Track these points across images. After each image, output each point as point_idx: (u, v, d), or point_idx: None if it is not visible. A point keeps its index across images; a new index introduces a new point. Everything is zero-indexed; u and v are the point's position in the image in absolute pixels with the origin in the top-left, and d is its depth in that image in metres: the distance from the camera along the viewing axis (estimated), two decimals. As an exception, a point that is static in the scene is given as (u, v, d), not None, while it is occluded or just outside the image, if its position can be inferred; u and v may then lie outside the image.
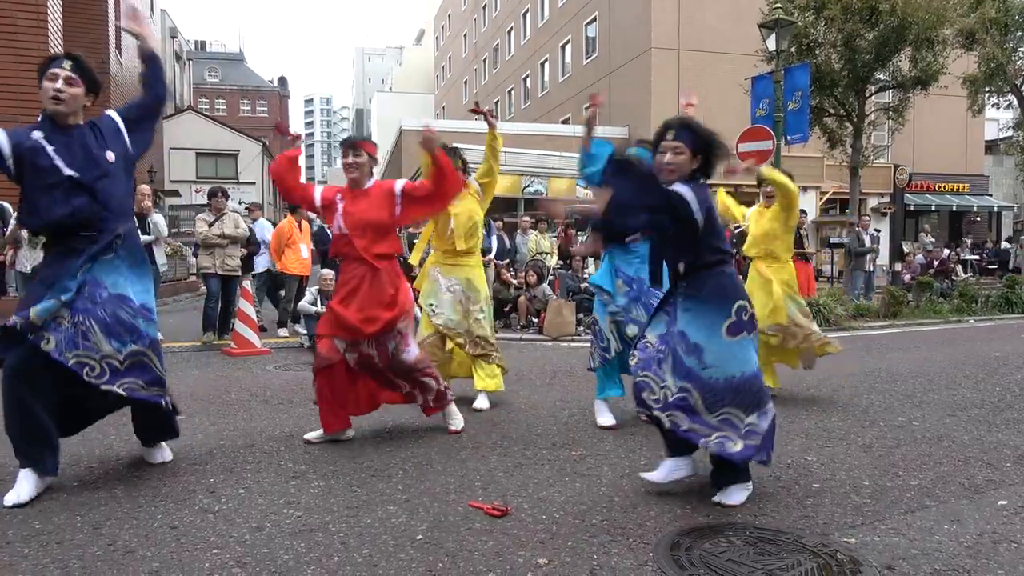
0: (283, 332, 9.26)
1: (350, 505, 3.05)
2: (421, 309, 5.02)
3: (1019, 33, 17.99)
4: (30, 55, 10.78)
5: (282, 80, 61.74)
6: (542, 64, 33.43)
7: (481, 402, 4.96)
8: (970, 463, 3.70)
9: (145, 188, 8.98)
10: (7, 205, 7.93)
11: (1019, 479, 3.48)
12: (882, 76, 15.73)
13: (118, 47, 17.17)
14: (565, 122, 29.69)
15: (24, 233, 7.52)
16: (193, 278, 19.17)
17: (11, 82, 10.61)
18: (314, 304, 7.97)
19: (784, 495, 3.22)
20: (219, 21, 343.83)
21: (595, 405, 4.59)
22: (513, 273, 11.05)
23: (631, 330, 4.28)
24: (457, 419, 4.33)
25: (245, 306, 7.85)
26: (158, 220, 8.60)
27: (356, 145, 4.05)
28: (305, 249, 9.21)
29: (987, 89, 18.41)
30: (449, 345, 4.95)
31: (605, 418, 4.47)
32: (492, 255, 9.83)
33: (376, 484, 3.32)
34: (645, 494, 3.22)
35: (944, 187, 28.35)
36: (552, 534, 2.75)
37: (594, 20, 27.99)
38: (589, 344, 4.70)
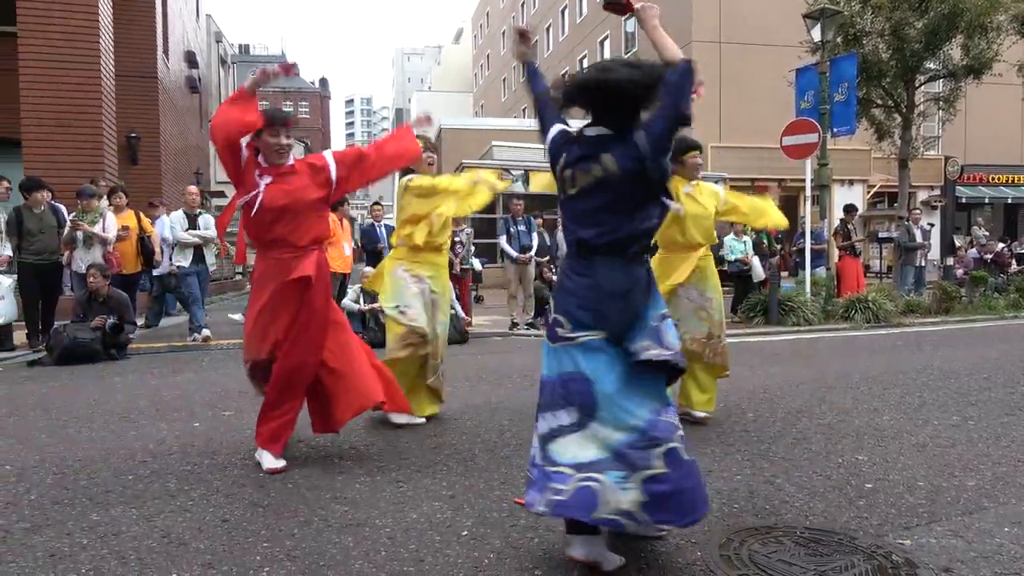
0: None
1: (396, 500, 3.07)
2: (383, 312, 4.61)
3: (1078, 18, 17.31)
4: (82, 57, 11.12)
5: (323, 81, 62.63)
6: (580, 60, 33.27)
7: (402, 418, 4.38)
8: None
9: (193, 189, 9.20)
10: (62, 208, 8.19)
11: (1084, 480, 3.35)
12: (932, 65, 15.30)
13: (165, 51, 17.58)
14: (604, 118, 29.55)
15: (79, 235, 7.78)
16: (239, 277, 19.59)
17: (65, 83, 10.93)
18: (357, 302, 8.07)
19: (835, 495, 3.15)
20: (262, 25, 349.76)
21: None
22: (553, 270, 11.02)
23: None
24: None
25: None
26: (207, 220, 8.79)
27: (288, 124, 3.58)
28: (347, 247, 9.31)
29: (1044, 76, 17.75)
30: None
31: None
32: (532, 252, 9.82)
33: (421, 480, 3.34)
34: (691, 492, 3.17)
35: (998, 179, 27.45)
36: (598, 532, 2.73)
37: (633, 15, 27.77)
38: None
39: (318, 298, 3.52)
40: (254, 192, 3.45)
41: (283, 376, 3.51)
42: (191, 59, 21.36)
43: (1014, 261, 16.93)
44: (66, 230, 7.84)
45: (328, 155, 3.68)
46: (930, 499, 3.10)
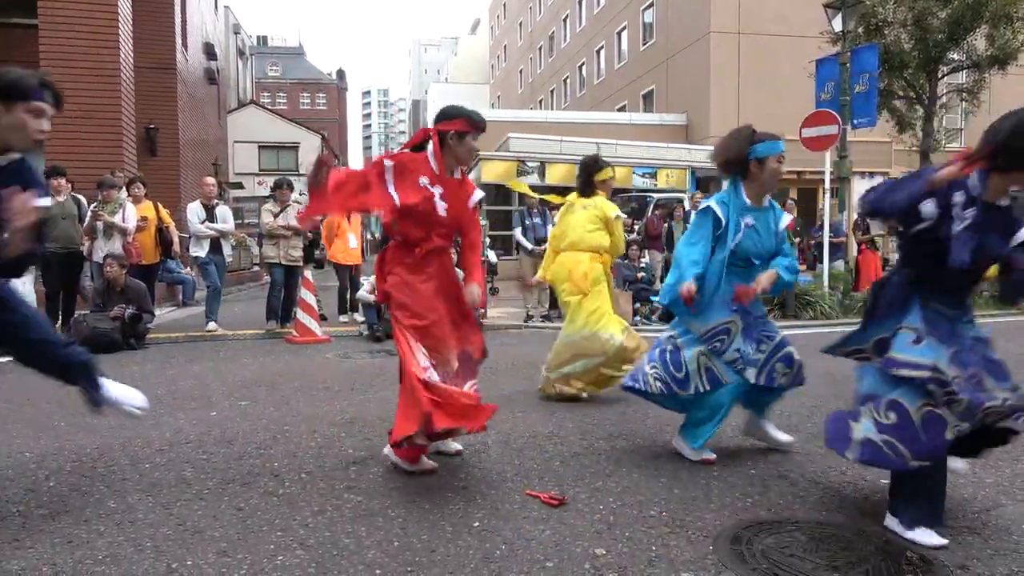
0: (343, 318, 9.46)
1: (408, 491, 3.09)
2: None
3: (1107, 7, 16.96)
4: (102, 50, 11.21)
5: (340, 73, 62.73)
6: (598, 51, 33.10)
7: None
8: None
9: (210, 180, 9.27)
10: (83, 199, 8.28)
11: (1105, 478, 3.30)
12: (955, 56, 15.06)
13: (184, 43, 17.69)
14: (621, 110, 29.38)
15: (100, 224, 7.87)
16: (256, 268, 19.73)
17: (85, 75, 11.02)
18: (372, 293, 8.10)
19: (850, 490, 3.13)
20: (280, 16, 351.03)
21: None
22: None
23: (750, 374, 3.46)
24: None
25: (307, 295, 8.02)
26: (225, 212, 8.85)
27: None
28: (353, 239, 9.36)
29: (1071, 67, 17.44)
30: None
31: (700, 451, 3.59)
32: (547, 245, 9.78)
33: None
34: (704, 486, 3.17)
35: (1022, 172, 27.00)
36: (609, 524, 2.73)
37: (651, 5, 27.54)
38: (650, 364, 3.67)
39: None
40: (425, 197, 3.24)
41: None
42: (209, 51, 21.48)
43: None
44: (87, 220, 7.92)
45: (475, 197, 3.52)
46: (947, 496, 3.06)
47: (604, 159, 5.25)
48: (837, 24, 10.98)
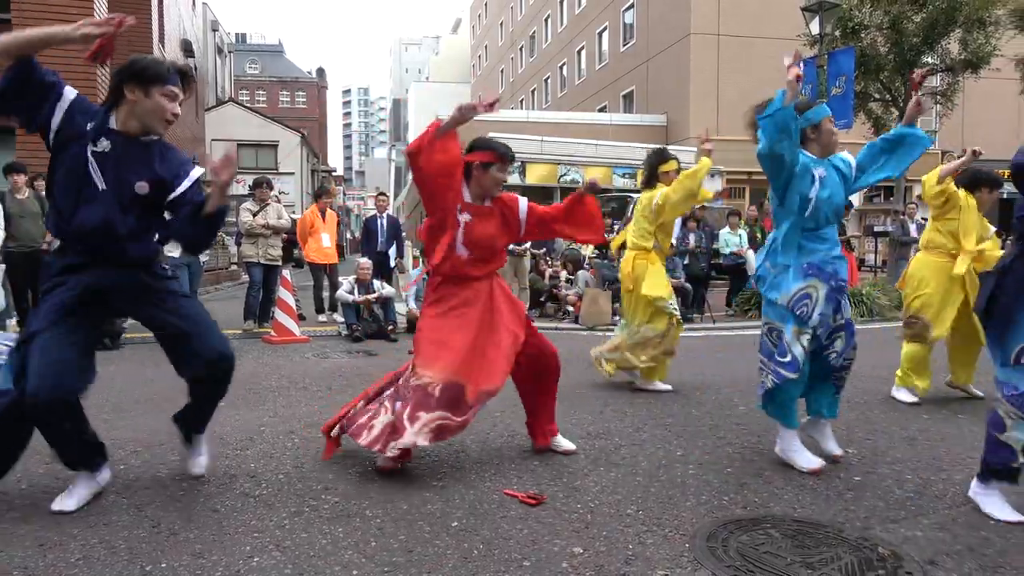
0: (321, 318, 9.42)
1: (386, 492, 3.08)
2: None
3: (1076, 12, 17.30)
4: (76, 45, 11.03)
5: (320, 71, 62.28)
6: (578, 52, 33.21)
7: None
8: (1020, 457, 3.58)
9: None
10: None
11: (1071, 475, 3.37)
12: (930, 59, 15.30)
13: (161, 40, 17.49)
14: (602, 110, 29.49)
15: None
16: (234, 267, 19.56)
17: (59, 70, 10.83)
18: (351, 293, 8.07)
19: (824, 487, 3.17)
20: (259, 13, 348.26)
21: (787, 443, 3.49)
22: (549, 263, 11.02)
23: (838, 345, 3.45)
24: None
25: (285, 295, 7.97)
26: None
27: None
28: (327, 238, 9.34)
29: (1042, 71, 17.77)
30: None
31: (805, 459, 3.42)
32: (528, 245, 9.82)
33: (411, 471, 3.35)
34: (681, 485, 3.19)
35: (995, 173, 27.45)
36: (587, 523, 2.75)
37: (631, 6, 27.67)
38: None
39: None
40: (454, 230, 3.38)
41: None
42: (187, 48, 21.25)
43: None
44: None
45: (523, 206, 3.60)
46: (918, 493, 3.12)
47: (669, 151, 5.35)
48: (814, 27, 11.11)
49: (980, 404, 4.80)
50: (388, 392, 3.44)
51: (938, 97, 15.93)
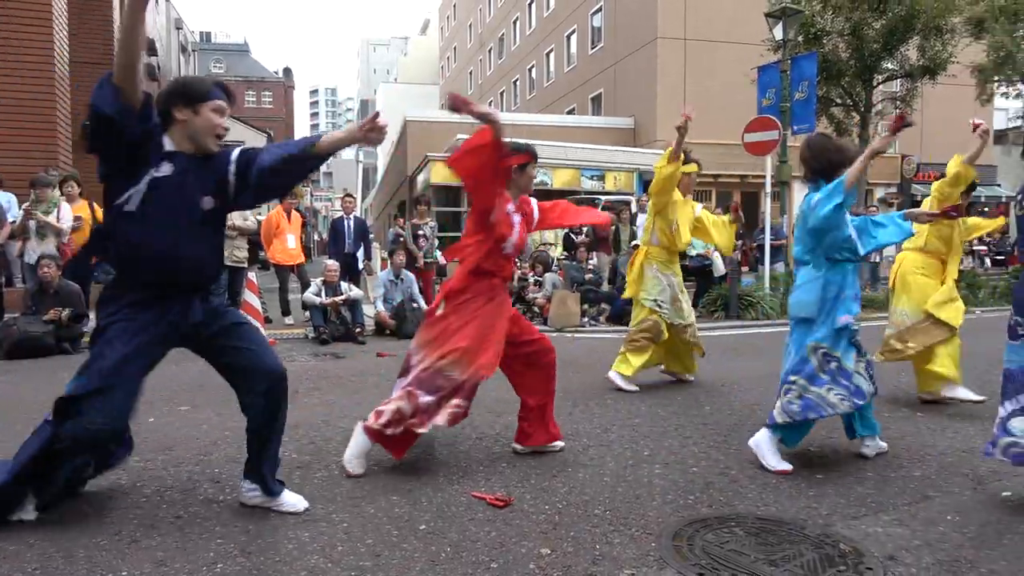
0: (288, 320, 9.32)
1: (353, 495, 3.06)
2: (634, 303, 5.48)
3: (1029, 21, 17.83)
4: (35, 45, 10.77)
5: (287, 71, 61.61)
6: (547, 54, 33.29)
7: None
8: (974, 454, 3.68)
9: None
10: (13, 196, 7.95)
11: (1024, 470, 3.47)
12: (890, 65, 15.63)
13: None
14: (570, 112, 29.61)
15: (32, 224, 7.57)
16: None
17: (17, 71, 10.59)
18: (318, 295, 7.99)
19: (787, 485, 3.22)
20: (224, 12, 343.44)
21: (766, 444, 3.53)
22: (517, 264, 11.03)
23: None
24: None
25: (251, 297, 7.86)
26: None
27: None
28: (292, 239, 9.28)
29: (996, 78, 18.27)
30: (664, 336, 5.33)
31: (777, 460, 3.48)
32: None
33: (379, 474, 3.33)
34: (648, 484, 3.22)
35: (952, 177, 28.09)
36: (554, 524, 2.76)
37: (599, 10, 27.83)
38: (829, 393, 3.43)
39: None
40: (510, 231, 3.48)
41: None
42: (150, 46, 20.87)
43: (967, 258, 17.40)
44: (19, 219, 7.61)
45: (535, 204, 3.79)
46: (878, 489, 3.18)
47: (691, 155, 5.41)
48: (778, 33, 11.28)
49: (939, 404, 4.91)
50: (406, 381, 3.39)
51: (898, 102, 16.28)
